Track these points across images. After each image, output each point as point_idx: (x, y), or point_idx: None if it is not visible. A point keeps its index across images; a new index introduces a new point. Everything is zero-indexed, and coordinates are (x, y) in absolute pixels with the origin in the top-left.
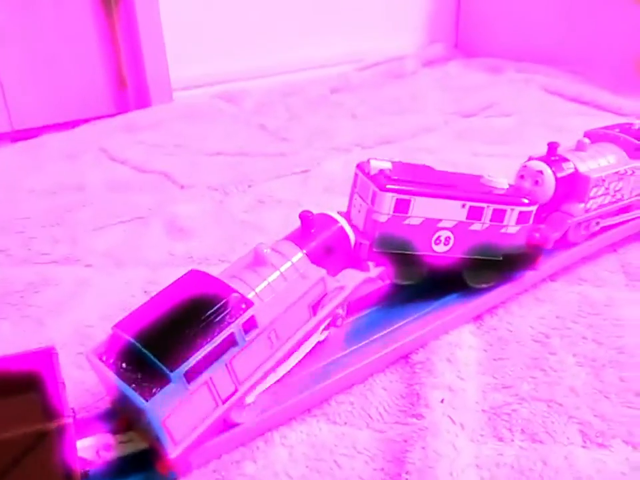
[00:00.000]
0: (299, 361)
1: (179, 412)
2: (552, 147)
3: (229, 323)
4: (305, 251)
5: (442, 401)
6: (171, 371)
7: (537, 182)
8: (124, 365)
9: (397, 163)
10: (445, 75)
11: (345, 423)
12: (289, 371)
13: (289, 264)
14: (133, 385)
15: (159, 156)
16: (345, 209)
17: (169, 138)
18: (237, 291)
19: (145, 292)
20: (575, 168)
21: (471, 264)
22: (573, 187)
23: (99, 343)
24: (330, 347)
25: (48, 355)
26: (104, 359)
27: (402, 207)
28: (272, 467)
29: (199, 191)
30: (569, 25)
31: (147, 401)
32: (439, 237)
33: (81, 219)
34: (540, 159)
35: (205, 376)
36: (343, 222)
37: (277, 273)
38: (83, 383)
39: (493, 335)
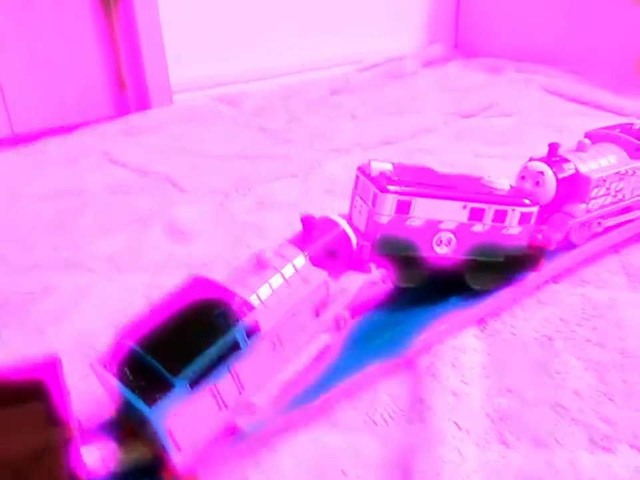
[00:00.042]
0: (302, 369)
1: (183, 418)
2: (553, 147)
3: (232, 328)
4: (307, 254)
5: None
6: (175, 377)
7: (537, 183)
8: (127, 372)
9: (397, 164)
10: (445, 76)
11: (350, 430)
12: (293, 377)
13: (291, 268)
14: (137, 392)
15: (160, 159)
16: (345, 211)
17: (169, 141)
18: (239, 296)
19: (147, 297)
20: (576, 168)
21: (472, 266)
22: (574, 187)
23: (103, 351)
24: (332, 353)
25: (52, 363)
26: (107, 366)
27: (403, 208)
28: (277, 474)
29: (199, 194)
30: (568, 24)
31: (150, 407)
32: (441, 238)
33: (81, 223)
34: (541, 159)
35: (209, 382)
36: (344, 224)
37: (279, 277)
38: (87, 392)
39: (496, 338)
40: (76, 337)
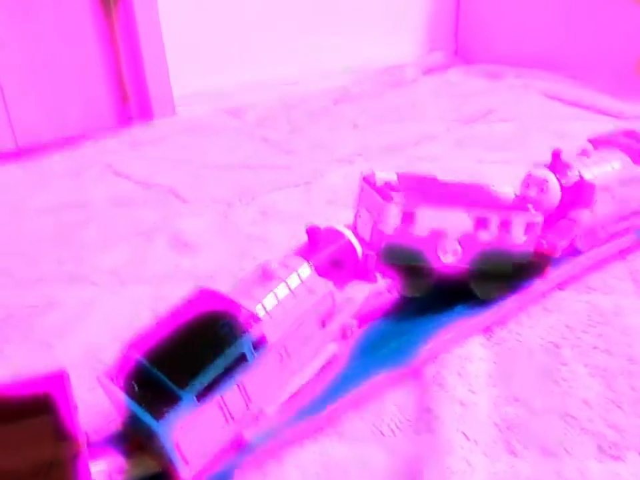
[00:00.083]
0: (309, 379)
1: (190, 431)
2: (556, 154)
3: (239, 340)
4: (312, 265)
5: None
6: (182, 390)
7: (542, 190)
8: (134, 385)
9: (402, 174)
10: (445, 83)
11: (357, 441)
12: (300, 389)
13: (296, 278)
14: (144, 406)
15: (163, 171)
16: (348, 220)
17: (172, 152)
18: (245, 308)
19: (152, 309)
20: (580, 175)
21: (478, 274)
22: (578, 194)
23: (110, 365)
24: (338, 363)
25: (60, 377)
26: (114, 379)
27: (408, 218)
28: None
29: (203, 205)
30: (567, 30)
31: (158, 421)
32: (446, 247)
33: (85, 236)
34: (545, 166)
35: (216, 394)
36: (349, 235)
37: (286, 289)
38: (94, 405)
39: (503, 346)
40: (81, 350)
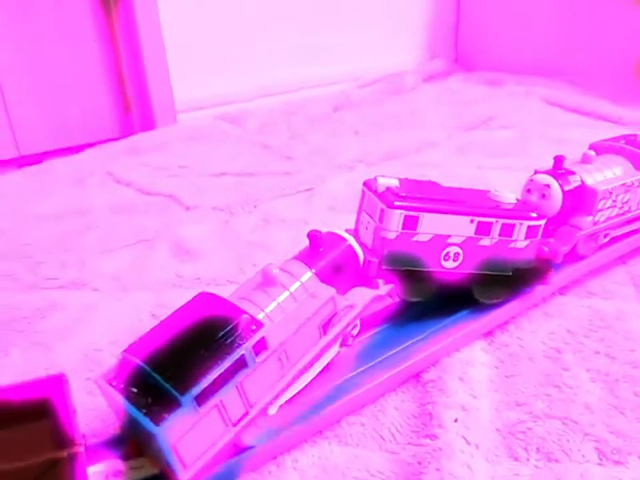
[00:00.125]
0: (309, 382)
1: (189, 436)
2: (558, 160)
3: (239, 345)
4: (314, 270)
5: (455, 421)
6: (182, 395)
7: (544, 195)
8: (134, 389)
9: (403, 179)
10: (446, 90)
11: (357, 445)
12: (299, 391)
13: (298, 284)
14: (143, 410)
15: (164, 178)
16: (350, 226)
17: (174, 160)
18: (246, 312)
19: (153, 315)
20: (582, 181)
21: (480, 279)
22: (580, 200)
23: (109, 368)
24: (340, 367)
25: (59, 381)
26: (113, 383)
27: (410, 223)
28: None
29: (204, 212)
30: (567, 36)
31: (157, 425)
32: (448, 252)
33: (87, 242)
34: (546, 172)
35: (215, 399)
36: (351, 240)
37: (287, 293)
38: (93, 409)
39: (504, 351)
40: (82, 354)
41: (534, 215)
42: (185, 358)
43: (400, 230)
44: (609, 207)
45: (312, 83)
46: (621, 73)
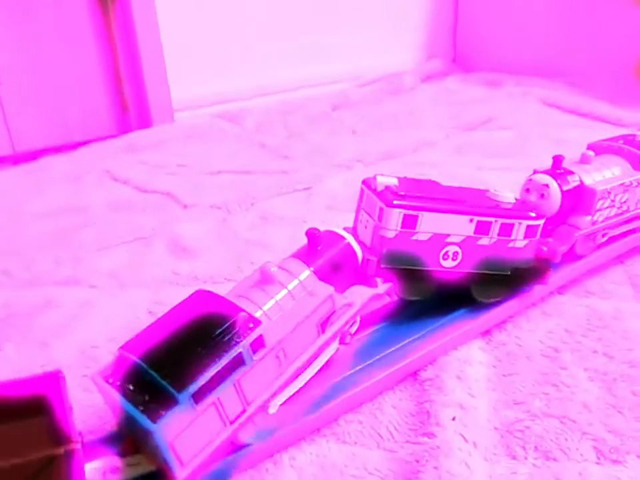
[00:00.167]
0: (307, 380)
1: (186, 433)
2: (557, 160)
3: (237, 343)
4: (312, 269)
5: (453, 419)
6: (179, 392)
7: (542, 195)
8: (130, 386)
9: (403, 178)
10: (444, 90)
11: (355, 443)
12: (298, 390)
13: (296, 282)
14: (140, 407)
15: (161, 176)
16: (348, 225)
17: (171, 158)
18: (244, 310)
19: (150, 312)
20: (581, 181)
21: (479, 279)
22: (579, 199)
23: (105, 365)
24: (338, 365)
25: (55, 378)
26: (110, 380)
27: (409, 222)
28: None
29: (201, 210)
30: (565, 37)
31: (154, 422)
32: (447, 252)
33: (83, 240)
34: (545, 172)
35: (212, 396)
36: (349, 238)
37: (285, 291)
38: (89, 406)
39: (502, 350)
40: (79, 351)
41: (533, 214)
42: (182, 355)
43: (399, 229)
44: (607, 207)
45: (311, 82)
46: (621, 73)
